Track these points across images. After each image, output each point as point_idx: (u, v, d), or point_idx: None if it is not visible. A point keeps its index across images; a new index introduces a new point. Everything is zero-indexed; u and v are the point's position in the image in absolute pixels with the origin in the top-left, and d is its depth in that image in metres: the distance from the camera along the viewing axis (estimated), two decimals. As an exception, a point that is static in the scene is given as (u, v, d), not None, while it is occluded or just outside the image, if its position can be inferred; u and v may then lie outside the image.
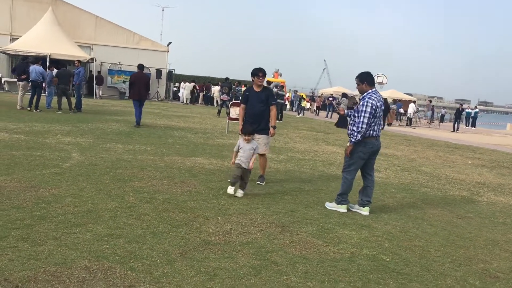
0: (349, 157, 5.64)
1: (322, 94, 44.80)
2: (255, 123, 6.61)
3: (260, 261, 3.81)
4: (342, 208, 5.70)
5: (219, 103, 24.97)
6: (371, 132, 5.56)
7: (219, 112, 21.80)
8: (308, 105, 36.87)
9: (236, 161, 6.01)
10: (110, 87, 29.56)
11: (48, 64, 19.32)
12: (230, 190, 5.87)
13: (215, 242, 4.17)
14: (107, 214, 4.70)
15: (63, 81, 15.86)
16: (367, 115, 5.46)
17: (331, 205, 5.80)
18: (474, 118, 36.62)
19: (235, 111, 12.31)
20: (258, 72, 6.74)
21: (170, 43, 32.08)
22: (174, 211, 5.01)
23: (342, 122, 19.87)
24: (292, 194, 6.38)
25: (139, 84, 13.25)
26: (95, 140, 9.78)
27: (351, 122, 5.73)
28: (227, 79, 25.47)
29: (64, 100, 15.89)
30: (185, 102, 31.56)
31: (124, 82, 28.46)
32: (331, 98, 31.63)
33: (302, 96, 33.94)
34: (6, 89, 25.47)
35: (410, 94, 57.00)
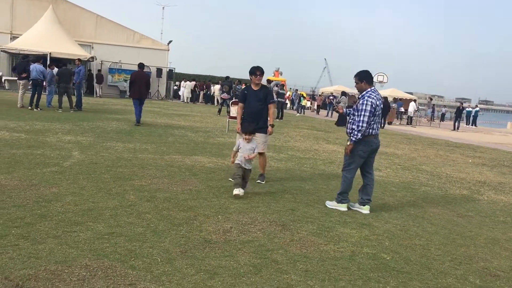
0: (349, 156, 5.64)
1: (322, 92, 44.78)
2: (254, 121, 6.60)
3: (260, 260, 3.81)
4: (343, 207, 5.71)
5: (219, 102, 24.97)
6: (371, 130, 5.57)
7: (219, 110, 21.80)
8: (308, 104, 36.87)
9: (236, 161, 5.98)
10: (110, 86, 29.56)
11: (48, 62, 19.31)
12: (236, 191, 5.77)
13: (215, 241, 4.17)
14: (107, 213, 4.70)
15: (64, 80, 15.86)
16: (367, 113, 5.46)
17: (331, 204, 5.80)
18: (475, 117, 36.52)
19: (235, 110, 12.30)
20: (256, 71, 6.74)
21: (170, 41, 32.08)
22: (174, 210, 5.02)
23: (342, 121, 19.88)
24: (293, 193, 6.38)
25: (140, 83, 13.27)
26: (96, 138, 9.78)
27: (350, 120, 5.73)
28: (227, 77, 25.50)
29: (64, 98, 15.89)
30: (185, 101, 31.55)
31: (125, 80, 28.47)
32: (331, 97, 31.62)
33: (302, 95, 33.93)
34: (7, 87, 25.49)
35: (411, 93, 56.94)
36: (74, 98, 16.29)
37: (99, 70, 28.13)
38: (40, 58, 17.31)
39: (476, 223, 5.74)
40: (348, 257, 4.08)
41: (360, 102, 5.57)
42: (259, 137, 6.58)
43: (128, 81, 16.35)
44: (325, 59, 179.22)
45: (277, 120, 21.72)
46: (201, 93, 33.89)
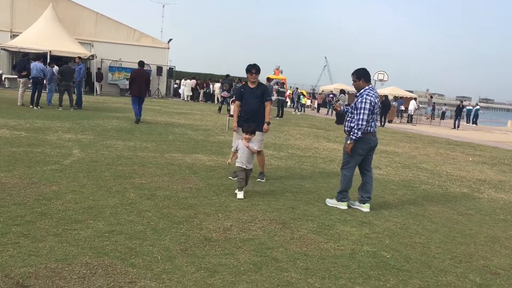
0: (349, 154, 5.64)
1: (323, 91, 44.79)
2: (251, 119, 6.58)
3: (260, 258, 3.81)
4: (343, 205, 5.71)
5: (219, 100, 24.97)
6: (369, 128, 5.58)
7: (219, 109, 21.80)
8: (308, 102, 36.85)
9: (237, 164, 5.89)
10: (110, 84, 29.56)
11: (48, 60, 19.31)
12: (240, 195, 5.72)
13: (215, 239, 4.17)
14: (107, 211, 4.70)
15: (66, 78, 15.85)
16: (366, 111, 5.47)
17: (331, 202, 5.80)
18: (476, 115, 36.41)
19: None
20: (252, 69, 6.72)
21: (170, 40, 32.07)
22: (174, 208, 5.02)
23: (341, 119, 19.87)
24: (293, 191, 6.38)
25: (140, 81, 13.29)
26: (96, 136, 9.78)
27: (347, 118, 5.73)
28: (227, 76, 25.46)
29: (65, 96, 15.89)
30: (185, 99, 31.54)
31: (126, 79, 28.48)
32: (331, 95, 31.62)
33: (302, 93, 33.91)
34: (7, 86, 25.49)
35: (411, 91, 56.94)
36: (74, 96, 16.30)
37: (99, 69, 28.13)
38: (41, 57, 17.31)
39: (476, 221, 5.74)
40: (348, 255, 4.08)
41: (359, 100, 5.57)
42: (255, 135, 6.56)
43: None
44: (325, 57, 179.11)
45: (278, 118, 21.72)
46: (202, 91, 33.89)
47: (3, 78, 26.09)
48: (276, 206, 5.47)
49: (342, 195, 5.74)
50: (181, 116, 17.21)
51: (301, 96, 31.72)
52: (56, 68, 17.81)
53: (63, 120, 12.31)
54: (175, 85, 35.02)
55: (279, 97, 23.14)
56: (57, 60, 21.15)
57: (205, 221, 4.67)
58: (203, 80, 35.85)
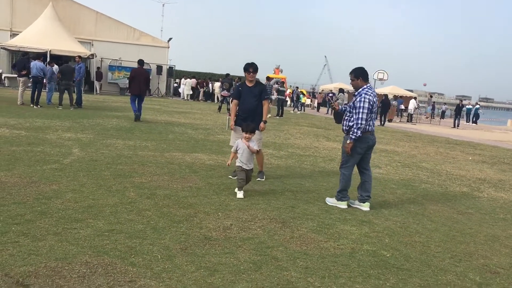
0: (349, 154, 5.64)
1: (322, 90, 44.78)
2: (249, 118, 6.56)
3: (260, 257, 3.81)
4: (342, 205, 5.71)
5: (219, 99, 24.97)
6: (367, 127, 5.58)
7: (219, 108, 21.79)
8: (308, 101, 36.84)
9: (237, 164, 5.88)
10: (110, 83, 29.55)
11: (48, 59, 19.32)
12: (240, 194, 5.72)
13: (215, 238, 4.17)
14: (107, 210, 4.70)
15: (66, 77, 15.85)
16: (366, 110, 5.47)
17: (331, 201, 5.80)
18: (476, 114, 36.38)
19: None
20: (249, 68, 6.70)
21: (170, 39, 32.05)
22: (174, 207, 5.02)
23: (340, 118, 19.79)
24: (293, 190, 6.38)
25: (139, 80, 13.29)
26: (96, 136, 9.78)
27: (346, 117, 5.73)
28: (227, 75, 25.46)
29: (65, 95, 15.88)
30: (185, 98, 31.54)
31: (126, 78, 28.46)
32: (330, 94, 31.62)
33: (302, 92, 33.91)
34: (7, 85, 25.48)
35: (411, 90, 56.93)
36: (74, 96, 16.30)
37: (98, 68, 28.12)
38: (41, 56, 17.31)
39: (476, 220, 5.74)
40: (348, 254, 4.09)
41: (358, 99, 5.57)
42: (254, 134, 6.56)
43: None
44: (325, 56, 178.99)
45: (277, 117, 21.72)
46: (201, 90, 33.89)
47: (3, 77, 26.08)
48: (276, 205, 5.48)
49: (341, 194, 5.74)
50: (181, 115, 17.21)
51: (301, 95, 31.74)
52: (56, 67, 17.81)
53: (63, 119, 12.31)
54: (175, 84, 35.00)
55: (279, 96, 23.13)
56: (57, 59, 21.13)
57: (205, 220, 4.67)
58: (203, 79, 35.83)
